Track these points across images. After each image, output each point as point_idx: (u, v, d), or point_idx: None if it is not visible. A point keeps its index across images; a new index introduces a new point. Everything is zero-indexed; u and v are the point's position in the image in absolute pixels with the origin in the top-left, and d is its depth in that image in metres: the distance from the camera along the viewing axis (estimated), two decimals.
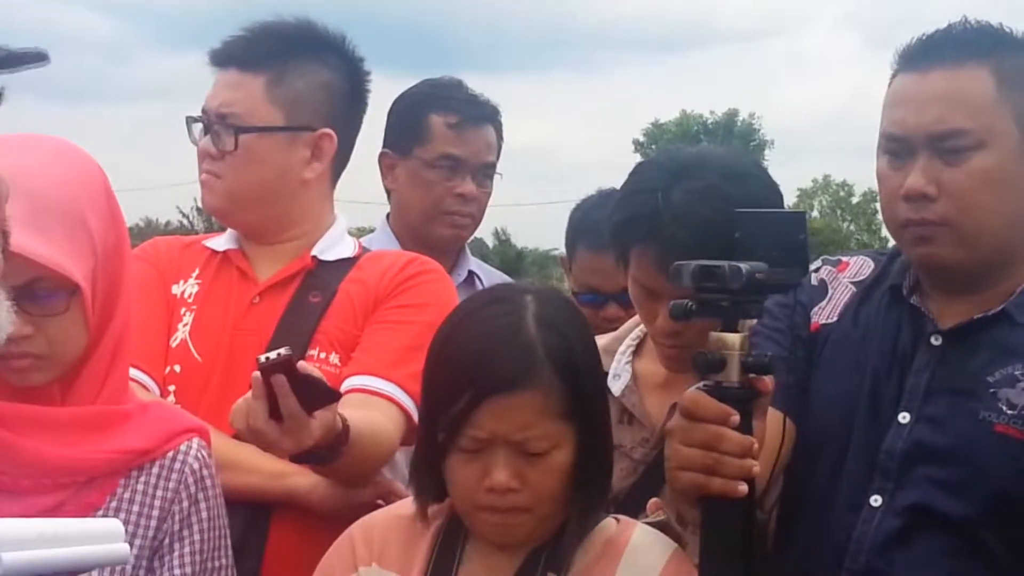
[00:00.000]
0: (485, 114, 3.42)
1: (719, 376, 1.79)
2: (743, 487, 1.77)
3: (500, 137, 3.46)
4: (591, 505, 1.95)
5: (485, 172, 3.41)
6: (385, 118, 3.41)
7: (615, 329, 2.68)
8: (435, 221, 3.37)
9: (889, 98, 2.23)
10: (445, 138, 3.34)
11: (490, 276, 3.54)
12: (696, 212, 2.21)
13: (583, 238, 3.43)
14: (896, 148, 2.19)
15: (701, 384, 1.81)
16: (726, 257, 1.82)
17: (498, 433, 1.86)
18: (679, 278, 1.82)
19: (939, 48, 2.19)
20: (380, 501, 2.39)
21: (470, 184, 3.36)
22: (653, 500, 2.14)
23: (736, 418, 1.78)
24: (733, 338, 1.79)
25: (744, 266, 1.76)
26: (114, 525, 1.60)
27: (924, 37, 2.23)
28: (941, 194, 2.14)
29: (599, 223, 3.16)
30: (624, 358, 2.52)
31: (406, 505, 2.05)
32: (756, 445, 1.79)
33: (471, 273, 3.46)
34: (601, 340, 2.57)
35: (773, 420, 1.95)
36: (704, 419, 1.78)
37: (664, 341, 2.36)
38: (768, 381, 1.81)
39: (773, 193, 2.33)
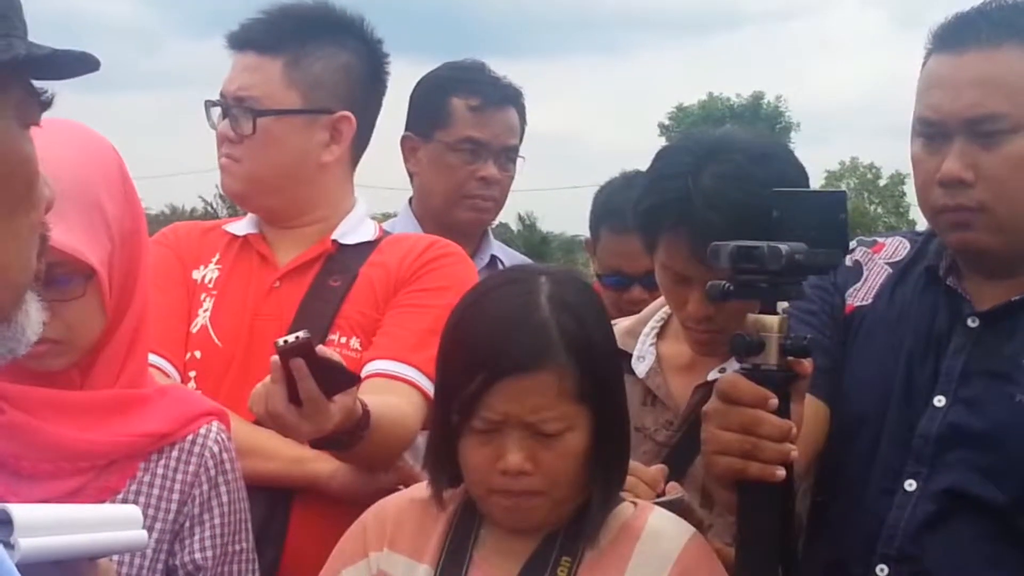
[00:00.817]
0: (507, 96, 3.40)
1: (757, 359, 1.77)
2: (781, 472, 1.75)
3: (523, 120, 3.44)
4: (609, 490, 1.92)
5: (507, 155, 3.39)
6: (404, 103, 3.40)
7: (639, 311, 2.66)
8: (457, 205, 3.35)
9: (923, 81, 2.18)
10: (467, 121, 3.32)
11: (513, 260, 3.52)
12: (726, 195, 2.18)
13: (607, 220, 3.41)
14: (931, 132, 2.14)
15: (739, 367, 1.79)
16: (759, 239, 1.79)
17: (511, 414, 1.84)
18: (717, 258, 1.79)
19: (974, 28, 2.13)
20: (401, 486, 2.38)
21: (492, 167, 3.34)
22: (672, 483, 2.12)
23: (775, 401, 1.75)
24: (772, 320, 1.77)
25: (784, 247, 1.73)
26: (132, 511, 1.59)
27: (958, 16, 2.17)
28: (978, 179, 2.09)
29: (623, 205, 3.15)
30: (648, 340, 2.50)
31: (421, 489, 2.04)
32: (794, 429, 1.77)
33: (494, 257, 3.44)
34: (625, 322, 2.56)
35: (809, 405, 1.93)
36: (742, 402, 1.76)
37: (695, 326, 2.33)
38: (807, 364, 1.78)
39: (799, 174, 2.30)
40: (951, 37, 2.15)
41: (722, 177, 2.22)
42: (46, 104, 1.09)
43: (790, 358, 1.77)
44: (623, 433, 1.96)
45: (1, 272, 1.05)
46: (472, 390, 1.84)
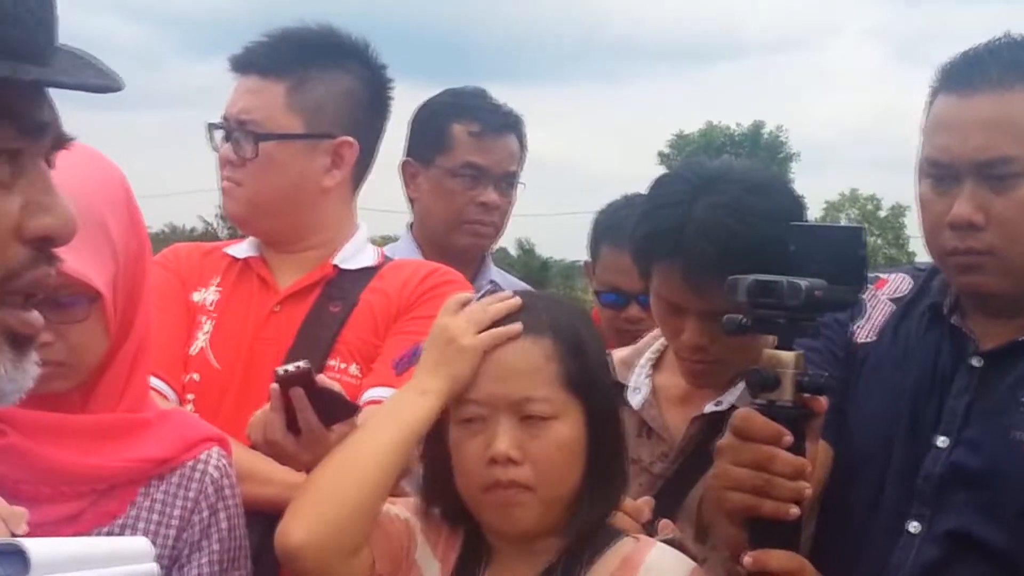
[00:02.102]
0: (508, 123, 3.41)
1: (772, 395, 1.76)
2: (795, 510, 1.74)
3: (523, 146, 3.45)
4: (602, 496, 1.92)
5: (508, 181, 3.40)
6: (405, 126, 3.40)
7: (637, 330, 2.66)
8: (457, 230, 3.35)
9: (931, 121, 2.16)
10: (467, 147, 3.33)
11: (512, 286, 3.51)
12: (721, 225, 2.18)
13: (607, 236, 3.40)
14: (940, 174, 2.12)
15: (753, 402, 1.78)
16: (752, 271, 1.78)
17: (497, 396, 1.87)
18: (734, 292, 1.79)
19: (984, 69, 2.11)
20: None
21: (492, 193, 3.35)
22: (664, 521, 2.11)
23: (789, 438, 1.75)
24: (788, 356, 1.77)
25: (803, 283, 1.73)
26: (143, 544, 1.58)
27: (967, 56, 2.15)
28: (989, 223, 2.08)
29: (623, 223, 3.16)
30: (644, 371, 2.50)
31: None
32: (809, 467, 1.76)
33: (493, 283, 3.43)
34: (620, 352, 2.55)
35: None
36: (756, 438, 1.75)
37: (689, 356, 2.32)
38: (823, 401, 1.78)
39: (796, 205, 2.29)
40: (960, 77, 2.13)
41: (717, 207, 2.21)
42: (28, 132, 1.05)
43: (806, 395, 1.76)
44: (618, 445, 1.96)
45: None
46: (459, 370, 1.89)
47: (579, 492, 1.90)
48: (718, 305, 2.04)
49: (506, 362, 1.88)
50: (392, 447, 1.91)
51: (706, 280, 2.14)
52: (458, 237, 3.35)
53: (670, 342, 2.40)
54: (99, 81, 1.06)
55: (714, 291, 2.05)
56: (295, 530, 1.86)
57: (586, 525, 1.90)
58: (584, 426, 1.89)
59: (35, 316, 1.06)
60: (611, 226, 3.37)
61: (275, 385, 1.94)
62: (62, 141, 1.09)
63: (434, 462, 1.98)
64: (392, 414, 1.96)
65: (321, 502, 1.88)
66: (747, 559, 1.81)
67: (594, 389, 1.91)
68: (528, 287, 3.69)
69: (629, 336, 2.84)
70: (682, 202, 2.24)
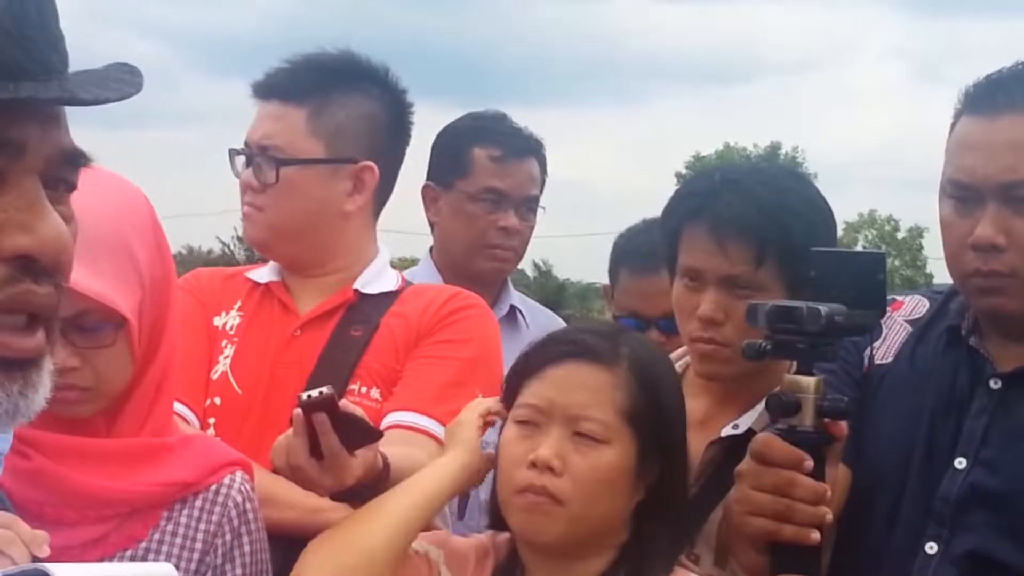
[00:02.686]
0: (528, 147, 3.41)
1: (792, 420, 1.77)
2: (815, 535, 1.74)
3: (544, 170, 3.45)
4: (659, 542, 1.91)
5: (528, 205, 3.40)
6: (425, 148, 3.41)
7: None
8: (477, 254, 3.36)
9: (954, 142, 2.17)
10: (488, 171, 3.34)
11: (533, 311, 3.52)
12: (751, 189, 2.22)
13: (626, 261, 3.40)
14: (963, 195, 2.14)
15: (774, 427, 1.79)
16: (773, 237, 1.82)
17: (558, 404, 1.87)
18: (754, 318, 1.80)
19: (1009, 92, 2.13)
20: None
21: (513, 217, 3.35)
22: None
23: (809, 463, 1.76)
24: (808, 381, 1.78)
25: (823, 308, 1.74)
26: (167, 570, 1.58)
27: (991, 79, 2.17)
28: (1011, 244, 2.09)
29: (643, 247, 3.18)
30: None
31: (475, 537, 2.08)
32: (829, 492, 1.76)
33: (513, 308, 3.44)
34: None
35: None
36: (776, 463, 1.76)
37: (702, 334, 2.29)
38: (843, 426, 1.79)
39: (825, 202, 2.32)
40: (984, 100, 2.15)
41: (749, 173, 2.31)
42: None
43: (826, 420, 1.76)
44: (678, 493, 1.96)
45: None
46: (528, 368, 1.92)
47: (626, 523, 1.90)
48: (740, 271, 2.12)
49: (572, 376, 1.89)
50: (416, 507, 1.96)
51: (732, 237, 2.17)
52: (478, 261, 3.36)
53: (683, 328, 2.35)
54: (93, 95, 1.05)
55: (738, 251, 2.13)
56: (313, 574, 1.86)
57: (633, 556, 1.90)
58: (635, 459, 1.89)
59: (26, 340, 1.03)
60: (630, 250, 3.38)
61: (298, 411, 1.95)
62: (75, 159, 1.08)
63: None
64: (425, 474, 2.01)
65: (340, 550, 1.89)
66: None
67: (656, 429, 1.91)
68: (553, 314, 3.70)
69: None
70: (714, 173, 2.31)
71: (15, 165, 1.01)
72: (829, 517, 1.76)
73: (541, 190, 3.45)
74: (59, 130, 1.05)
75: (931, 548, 2.12)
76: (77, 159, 1.08)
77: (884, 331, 2.31)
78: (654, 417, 1.90)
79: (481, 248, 3.35)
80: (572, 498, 1.86)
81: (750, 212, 2.15)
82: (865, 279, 1.83)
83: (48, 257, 1.03)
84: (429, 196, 3.42)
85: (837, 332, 1.77)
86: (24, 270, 1.02)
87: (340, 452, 1.96)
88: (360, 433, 1.99)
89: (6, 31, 0.99)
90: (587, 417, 1.86)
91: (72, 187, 1.08)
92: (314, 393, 1.94)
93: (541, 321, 3.40)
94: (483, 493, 2.46)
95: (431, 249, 3.48)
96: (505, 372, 2.16)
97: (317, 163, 2.54)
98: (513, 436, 1.92)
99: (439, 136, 3.46)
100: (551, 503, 1.87)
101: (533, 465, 1.86)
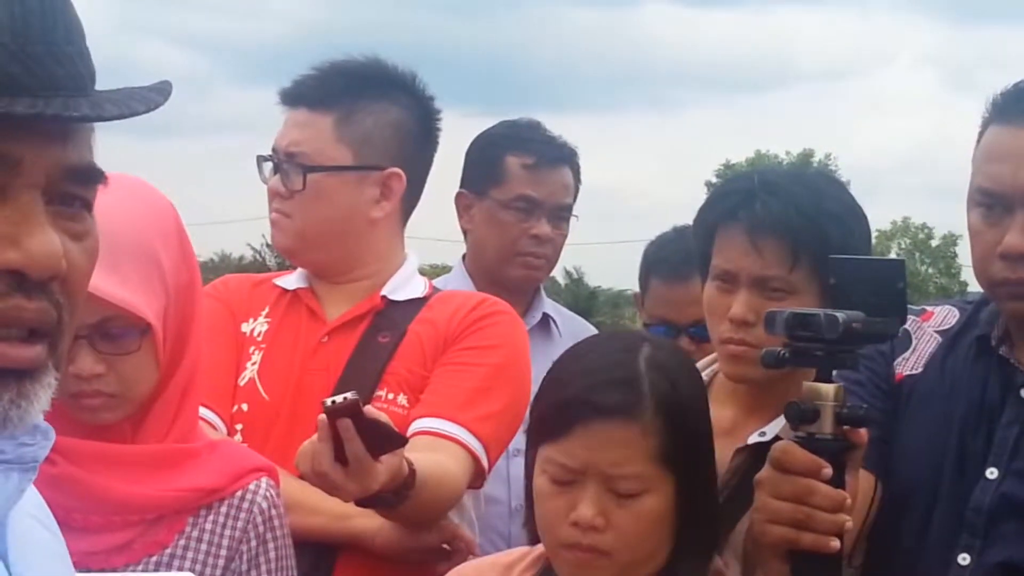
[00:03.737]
0: (562, 156, 3.41)
1: (812, 427, 1.76)
2: (835, 543, 1.73)
3: (577, 179, 3.45)
4: (692, 563, 1.90)
5: (561, 214, 3.40)
6: (455, 155, 3.41)
7: None
8: (509, 262, 3.35)
9: (983, 151, 2.16)
10: (521, 179, 3.34)
11: (566, 319, 3.52)
12: (787, 189, 2.21)
13: (657, 269, 3.39)
14: (991, 203, 2.12)
15: (793, 435, 1.78)
16: (808, 239, 1.85)
17: (591, 464, 1.84)
18: (772, 326, 1.79)
19: None
20: (445, 545, 2.37)
21: (545, 226, 3.35)
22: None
23: (828, 471, 1.74)
24: (827, 388, 1.76)
25: (841, 315, 1.73)
26: None
27: (1020, 87, 2.16)
28: None
29: (674, 255, 3.18)
30: None
31: (504, 554, 2.07)
32: (849, 500, 1.75)
33: (546, 315, 3.43)
34: None
35: (862, 477, 1.91)
36: (795, 471, 1.75)
37: (732, 335, 2.29)
38: (863, 433, 1.77)
39: (860, 208, 2.31)
40: (1014, 108, 2.13)
41: (786, 175, 2.31)
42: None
43: (845, 427, 1.75)
44: (709, 504, 1.94)
45: None
46: (556, 428, 1.87)
47: (667, 557, 1.89)
48: (774, 272, 2.12)
49: (601, 436, 1.85)
50: None
51: (767, 238, 2.16)
52: (510, 269, 3.35)
53: (714, 330, 2.34)
54: (97, 112, 1.04)
55: (773, 253, 2.13)
56: None
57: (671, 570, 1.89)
58: (674, 496, 1.87)
59: (22, 350, 1.02)
60: (661, 258, 3.37)
61: (323, 416, 1.95)
62: (86, 177, 1.07)
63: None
64: None
65: None
66: None
67: (689, 462, 1.89)
68: (586, 323, 3.69)
69: None
70: (752, 175, 2.30)
71: (13, 180, 1.01)
72: (849, 525, 1.75)
73: (575, 199, 3.45)
74: (63, 146, 1.04)
75: (964, 559, 2.09)
76: (89, 175, 1.07)
77: (914, 342, 2.29)
78: (685, 450, 1.88)
79: (513, 256, 3.35)
80: (619, 549, 1.86)
81: (787, 214, 2.15)
82: (885, 286, 1.82)
83: (38, 272, 1.02)
84: (462, 203, 3.43)
85: (856, 339, 1.76)
86: (14, 285, 1.01)
87: (365, 458, 1.96)
88: (385, 439, 1.99)
89: (4, 47, 0.99)
90: (622, 475, 1.84)
91: (88, 204, 1.08)
92: (338, 399, 1.94)
93: (574, 329, 3.40)
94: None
95: (464, 256, 3.48)
96: (536, 379, 2.15)
97: (344, 170, 2.54)
98: (549, 490, 1.89)
99: (473, 144, 3.47)
100: (599, 556, 1.86)
101: (575, 524, 1.85)
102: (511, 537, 2.92)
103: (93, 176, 1.08)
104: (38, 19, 1.01)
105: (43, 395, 1.04)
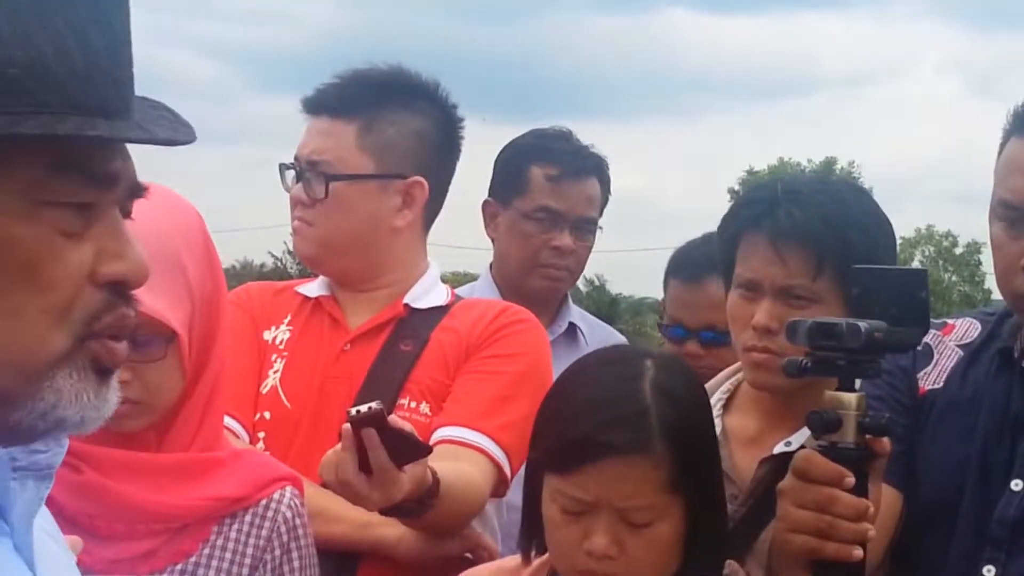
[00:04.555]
0: (588, 167, 3.40)
1: (834, 436, 1.75)
2: (858, 552, 1.73)
3: (606, 190, 3.44)
4: (703, 573, 1.90)
5: (584, 226, 3.39)
6: (476, 163, 3.41)
7: (696, 367, 2.63)
8: (531, 273, 3.35)
9: (1005, 163, 2.16)
10: (543, 190, 3.34)
11: (592, 327, 3.51)
12: (812, 198, 2.21)
13: (677, 271, 3.39)
14: (1013, 216, 2.13)
15: (815, 444, 1.77)
16: (833, 249, 1.86)
17: (603, 497, 1.83)
18: (794, 335, 1.79)
19: None
20: (468, 554, 2.37)
21: (567, 237, 3.34)
22: (729, 562, 2.10)
23: (851, 480, 1.74)
24: (849, 397, 1.76)
25: (863, 324, 1.73)
26: None
27: None
28: None
29: (695, 258, 3.18)
30: (714, 411, 2.47)
31: (509, 560, 2.05)
32: (872, 509, 1.75)
33: (572, 325, 3.43)
34: None
35: (887, 493, 1.91)
36: (817, 480, 1.75)
37: (756, 343, 2.28)
38: (886, 442, 1.77)
39: (885, 215, 2.31)
40: None
41: (810, 184, 2.30)
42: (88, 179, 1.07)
43: (868, 436, 1.75)
44: (718, 524, 1.94)
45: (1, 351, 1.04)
46: (566, 466, 1.85)
47: (677, 569, 1.89)
48: (797, 281, 2.13)
49: (611, 473, 1.84)
50: None
51: (791, 246, 2.17)
52: (532, 280, 3.35)
53: (738, 338, 2.34)
54: (167, 135, 1.12)
55: (797, 262, 2.14)
56: None
57: None
58: (685, 518, 1.87)
59: (121, 347, 1.11)
60: (682, 261, 3.37)
61: (347, 426, 1.95)
62: (137, 190, 1.14)
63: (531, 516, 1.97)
64: None
65: None
66: None
67: (699, 484, 1.89)
68: (614, 331, 3.68)
69: None
70: (776, 183, 2.30)
71: (106, 197, 1.08)
72: (872, 534, 1.75)
73: (601, 210, 3.43)
74: (132, 164, 1.12)
75: (989, 571, 2.09)
76: (140, 189, 1.14)
77: (935, 356, 2.29)
78: (695, 475, 1.88)
79: (534, 267, 3.35)
80: (633, 574, 1.86)
81: (811, 222, 2.15)
82: (908, 296, 1.81)
83: (137, 281, 1.10)
84: (489, 212, 3.43)
85: (878, 349, 1.75)
86: (118, 295, 1.09)
87: (389, 467, 1.96)
88: (409, 448, 1.99)
89: (104, 72, 1.06)
90: (635, 508, 1.84)
91: (129, 214, 1.14)
92: (363, 408, 1.94)
93: (600, 336, 3.40)
94: None
95: (491, 265, 3.48)
96: None
97: (367, 178, 2.55)
98: (560, 519, 1.88)
99: (501, 152, 3.47)
100: None
101: (589, 553, 1.85)
102: None
103: (142, 190, 1.15)
104: (121, 46, 1.09)
105: (114, 397, 1.13)
